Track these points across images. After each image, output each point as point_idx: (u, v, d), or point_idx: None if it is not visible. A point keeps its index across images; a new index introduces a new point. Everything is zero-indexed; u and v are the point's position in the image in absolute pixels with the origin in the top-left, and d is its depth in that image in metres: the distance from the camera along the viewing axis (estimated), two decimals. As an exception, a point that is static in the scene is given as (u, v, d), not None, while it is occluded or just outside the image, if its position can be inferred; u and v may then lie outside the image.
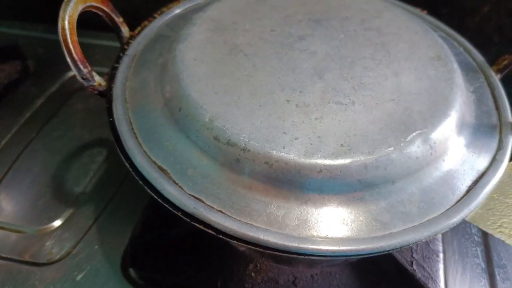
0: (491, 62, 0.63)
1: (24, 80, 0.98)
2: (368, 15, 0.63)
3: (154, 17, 0.73)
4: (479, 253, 0.75)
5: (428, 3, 0.70)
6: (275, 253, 0.43)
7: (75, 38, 0.58)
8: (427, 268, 0.70)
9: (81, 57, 0.59)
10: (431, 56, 0.57)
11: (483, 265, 0.74)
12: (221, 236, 0.44)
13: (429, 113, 0.49)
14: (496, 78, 0.61)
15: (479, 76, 0.62)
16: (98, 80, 0.61)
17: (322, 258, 0.45)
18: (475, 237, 0.77)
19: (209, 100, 0.48)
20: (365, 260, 0.67)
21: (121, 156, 0.51)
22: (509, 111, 0.57)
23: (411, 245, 0.45)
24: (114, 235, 0.73)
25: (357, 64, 0.55)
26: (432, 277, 0.68)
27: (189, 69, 0.52)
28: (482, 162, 0.51)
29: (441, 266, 0.72)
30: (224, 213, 0.44)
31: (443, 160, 0.49)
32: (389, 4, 0.67)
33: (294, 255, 0.43)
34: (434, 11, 0.72)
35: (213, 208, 0.44)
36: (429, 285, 0.66)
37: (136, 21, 0.70)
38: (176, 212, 0.46)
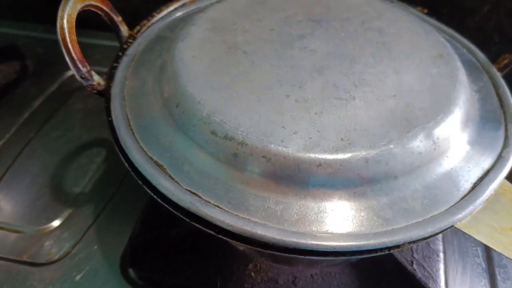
0: (492, 61, 0.63)
1: (23, 80, 0.98)
2: (369, 16, 0.63)
3: (153, 16, 0.73)
4: (479, 252, 0.75)
5: (428, 2, 0.70)
6: (274, 252, 0.43)
7: (74, 37, 0.58)
8: (428, 268, 0.69)
9: (80, 57, 0.58)
10: (433, 55, 0.56)
11: (483, 264, 0.74)
12: (215, 232, 0.44)
13: (432, 109, 0.48)
14: (500, 78, 0.61)
15: (483, 76, 0.61)
16: (97, 79, 0.61)
17: (322, 257, 0.45)
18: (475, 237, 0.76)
19: (207, 95, 0.48)
20: (365, 259, 0.67)
21: (119, 152, 0.51)
22: (515, 109, 0.56)
23: (414, 242, 0.44)
24: (113, 235, 0.72)
25: (358, 62, 0.54)
26: (432, 277, 0.68)
27: (188, 66, 0.52)
28: (487, 159, 0.51)
29: (441, 265, 0.71)
30: (221, 208, 0.43)
31: (447, 157, 0.48)
32: (390, 5, 0.67)
33: (293, 253, 0.43)
34: (434, 11, 0.72)
35: (209, 203, 0.43)
36: (430, 285, 0.66)
37: (136, 20, 0.70)
38: (170, 208, 0.46)
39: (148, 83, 0.57)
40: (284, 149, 0.43)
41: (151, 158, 0.47)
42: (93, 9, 0.63)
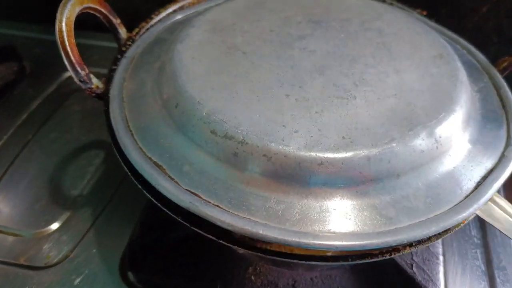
0: (491, 61, 0.63)
1: (20, 81, 0.98)
2: (368, 16, 0.63)
3: (152, 18, 0.73)
4: (478, 255, 0.75)
5: (428, 3, 0.70)
6: (274, 257, 0.43)
7: (73, 40, 0.58)
8: (427, 271, 0.69)
9: (78, 59, 0.58)
10: (433, 55, 0.56)
11: (483, 267, 0.74)
12: (216, 237, 0.44)
13: (433, 108, 0.48)
14: (501, 78, 0.61)
15: (483, 77, 0.61)
16: (95, 82, 0.60)
17: (323, 262, 0.45)
18: (475, 239, 0.77)
19: (206, 95, 0.47)
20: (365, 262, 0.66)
21: (117, 154, 0.51)
22: (516, 109, 0.56)
23: (417, 245, 0.44)
24: (112, 238, 0.72)
25: (358, 61, 0.54)
26: (432, 280, 0.68)
27: (187, 67, 0.52)
28: (490, 158, 0.51)
29: (441, 268, 0.71)
30: (221, 208, 0.43)
31: (449, 155, 0.48)
32: (389, 6, 0.67)
33: (294, 258, 0.44)
34: (433, 11, 0.72)
35: (209, 202, 0.43)
36: (429, 288, 0.65)
37: (134, 22, 0.70)
38: (169, 212, 0.46)
39: (147, 85, 0.56)
40: (285, 148, 0.42)
41: (150, 158, 0.47)
42: (91, 11, 0.63)
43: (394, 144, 0.44)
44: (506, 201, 0.49)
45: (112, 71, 0.64)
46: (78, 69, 0.58)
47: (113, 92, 0.57)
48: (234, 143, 0.43)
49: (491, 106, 0.57)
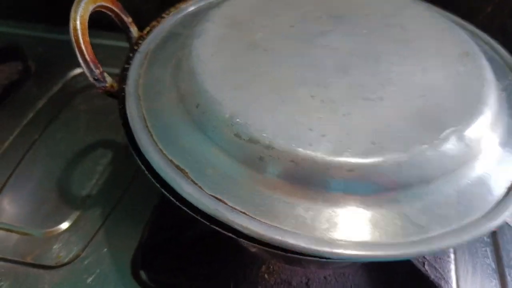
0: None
1: (25, 81, 0.97)
2: (390, 12, 0.62)
3: (163, 17, 0.72)
4: (488, 253, 0.75)
5: (432, 2, 0.70)
6: (304, 257, 0.42)
7: (87, 38, 0.58)
8: (439, 269, 0.69)
9: (93, 58, 0.58)
10: (459, 53, 0.55)
11: (493, 265, 0.74)
12: (243, 240, 0.43)
13: (462, 109, 0.47)
14: None
15: (508, 74, 0.60)
16: (109, 81, 0.60)
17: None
18: (485, 237, 0.77)
19: (228, 95, 0.46)
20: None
21: (134, 155, 0.50)
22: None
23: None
24: (122, 238, 0.72)
25: (382, 60, 0.53)
26: (444, 278, 0.67)
27: (205, 64, 0.50)
28: (520, 162, 0.49)
29: (452, 266, 0.71)
30: (248, 215, 0.41)
31: (479, 160, 0.47)
32: (410, 1, 0.66)
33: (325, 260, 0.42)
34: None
35: (235, 209, 0.41)
36: (442, 286, 0.66)
37: (136, 20, 0.69)
38: (194, 215, 0.44)
39: (164, 82, 0.54)
40: (312, 153, 0.41)
41: (171, 161, 0.45)
42: (104, 10, 0.63)
43: (425, 149, 0.43)
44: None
45: (125, 70, 0.63)
46: (93, 67, 0.58)
47: (129, 89, 0.56)
48: (260, 147, 0.42)
49: (518, 105, 0.55)
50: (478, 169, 0.47)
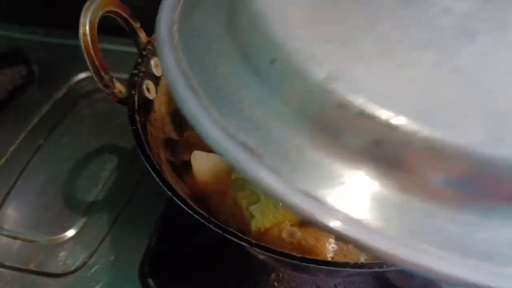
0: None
1: (29, 86, 0.96)
2: None
3: (171, 21, 0.72)
4: None
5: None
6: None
7: (97, 44, 0.58)
8: None
9: (102, 64, 0.58)
10: None
11: None
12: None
13: None
14: None
15: None
16: (118, 87, 0.60)
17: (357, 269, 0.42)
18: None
19: (322, 50, 0.32)
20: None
21: (143, 159, 0.49)
22: None
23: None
24: (129, 244, 0.71)
25: None
26: (455, 285, 0.66)
27: (279, 9, 0.35)
28: None
29: None
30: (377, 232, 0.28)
31: None
32: None
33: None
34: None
35: (360, 221, 0.28)
36: (456, 293, 0.63)
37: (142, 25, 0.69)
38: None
39: (212, 27, 0.40)
40: (458, 140, 0.28)
41: (233, 136, 0.31)
42: (113, 15, 0.62)
43: None
44: None
45: (133, 76, 0.63)
46: (102, 73, 0.58)
47: (162, 36, 0.40)
48: (376, 126, 0.28)
49: None
50: None
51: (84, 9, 0.57)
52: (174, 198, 0.52)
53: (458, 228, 0.29)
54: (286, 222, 0.59)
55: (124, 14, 0.64)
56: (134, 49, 0.68)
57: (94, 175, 0.82)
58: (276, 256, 0.49)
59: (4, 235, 0.73)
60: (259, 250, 0.50)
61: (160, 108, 0.68)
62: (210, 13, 0.41)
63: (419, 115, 0.29)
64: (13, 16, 1.09)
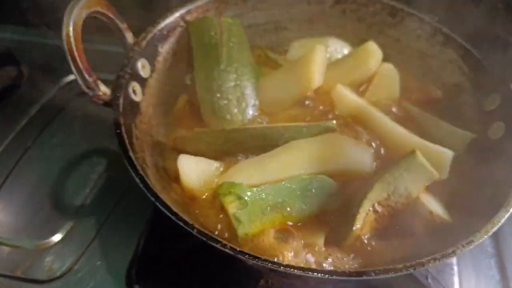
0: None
1: (19, 86, 0.95)
2: None
3: (159, 23, 0.71)
4: (492, 264, 0.74)
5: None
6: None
7: (80, 45, 0.56)
8: (442, 282, 0.68)
9: (86, 66, 0.56)
10: None
11: (497, 276, 0.73)
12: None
13: None
14: None
15: None
16: (103, 89, 0.59)
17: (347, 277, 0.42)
18: (488, 248, 0.76)
19: None
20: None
21: (128, 165, 0.48)
22: None
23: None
24: (117, 249, 0.70)
25: None
26: (447, 290, 0.65)
27: None
28: None
29: (456, 279, 0.71)
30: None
31: None
32: None
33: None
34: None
35: None
36: (446, 299, 0.62)
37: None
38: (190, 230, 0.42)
39: None
40: None
41: None
42: (98, 16, 0.61)
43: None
44: None
45: (119, 78, 0.62)
46: (86, 75, 0.56)
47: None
48: None
49: None
50: None
51: (68, 9, 0.56)
52: (156, 204, 0.51)
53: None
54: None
55: (110, 15, 0.63)
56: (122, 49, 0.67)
57: (83, 178, 0.81)
58: (263, 264, 0.48)
59: (-9, 242, 0.71)
60: (244, 257, 0.49)
61: (147, 110, 0.67)
62: None
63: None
64: (3, 16, 1.08)
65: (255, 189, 0.59)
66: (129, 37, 0.67)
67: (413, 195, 0.60)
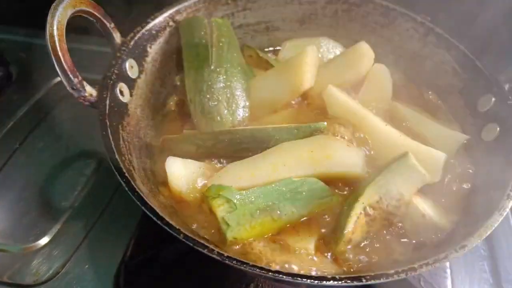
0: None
1: (6, 87, 0.94)
2: None
3: (148, 22, 0.70)
4: (486, 267, 0.74)
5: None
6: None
7: (64, 45, 0.55)
8: (435, 285, 0.68)
9: (71, 66, 0.55)
10: None
11: (491, 280, 0.72)
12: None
13: None
14: None
15: None
16: (89, 90, 0.57)
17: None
18: (482, 251, 0.75)
19: None
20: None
21: (114, 170, 0.47)
22: None
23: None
24: (105, 253, 0.69)
25: None
26: (441, 294, 0.64)
27: None
28: None
29: (448, 282, 0.70)
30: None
31: None
32: None
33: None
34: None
35: None
36: (439, 302, 0.61)
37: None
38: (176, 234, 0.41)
39: None
40: None
41: None
42: (84, 15, 0.60)
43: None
44: None
45: (106, 78, 0.61)
46: (71, 76, 0.55)
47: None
48: None
49: None
50: None
51: (52, 8, 0.54)
52: (142, 208, 0.50)
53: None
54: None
55: (97, 14, 0.61)
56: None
57: (72, 180, 0.79)
58: (251, 270, 0.47)
59: (-23, 246, 0.70)
60: (231, 263, 0.48)
61: (135, 111, 0.66)
62: None
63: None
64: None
65: (244, 191, 0.57)
66: (117, 37, 0.65)
67: (406, 197, 0.59)
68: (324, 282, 0.47)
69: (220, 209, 0.56)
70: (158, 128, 0.71)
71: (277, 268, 0.53)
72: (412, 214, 0.59)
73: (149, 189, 0.58)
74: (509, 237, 0.76)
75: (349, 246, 0.57)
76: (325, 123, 0.64)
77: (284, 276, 0.47)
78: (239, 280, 0.65)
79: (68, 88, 0.56)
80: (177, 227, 0.49)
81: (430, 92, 0.79)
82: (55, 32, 0.54)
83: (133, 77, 0.66)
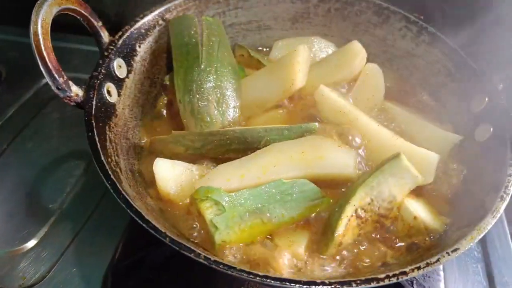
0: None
1: (-4, 87, 0.92)
2: None
3: (137, 21, 0.69)
4: (480, 270, 0.73)
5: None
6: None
7: (49, 43, 0.54)
8: None
9: (56, 65, 0.54)
10: None
11: (484, 282, 0.72)
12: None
13: None
14: None
15: None
16: (75, 90, 0.56)
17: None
18: (475, 253, 0.75)
19: None
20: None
21: (100, 173, 0.47)
22: None
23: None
24: (93, 256, 0.68)
25: None
26: (434, 297, 0.63)
27: None
28: None
29: (441, 285, 0.69)
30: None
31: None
32: None
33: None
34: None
35: None
36: (432, 305, 0.60)
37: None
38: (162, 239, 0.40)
39: None
40: None
41: None
42: (70, 13, 0.59)
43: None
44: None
45: (93, 78, 0.60)
46: (56, 75, 0.54)
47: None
48: None
49: None
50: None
51: (36, 5, 0.53)
52: (127, 210, 0.49)
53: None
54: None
55: (83, 12, 0.60)
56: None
57: (61, 181, 0.78)
58: (239, 274, 0.47)
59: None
60: (218, 267, 0.47)
61: (123, 112, 0.65)
62: None
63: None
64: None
65: (233, 194, 0.57)
66: (105, 35, 0.64)
67: (397, 199, 0.58)
68: (313, 286, 0.46)
69: (209, 212, 0.55)
70: (147, 129, 0.70)
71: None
72: (404, 216, 0.58)
73: (137, 191, 0.57)
74: (503, 239, 0.75)
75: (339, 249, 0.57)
76: (317, 123, 0.64)
77: (272, 281, 0.46)
78: (228, 283, 0.65)
79: (53, 87, 0.55)
80: (163, 231, 0.48)
81: (423, 92, 0.78)
82: (40, 31, 0.53)
83: (121, 76, 0.65)
